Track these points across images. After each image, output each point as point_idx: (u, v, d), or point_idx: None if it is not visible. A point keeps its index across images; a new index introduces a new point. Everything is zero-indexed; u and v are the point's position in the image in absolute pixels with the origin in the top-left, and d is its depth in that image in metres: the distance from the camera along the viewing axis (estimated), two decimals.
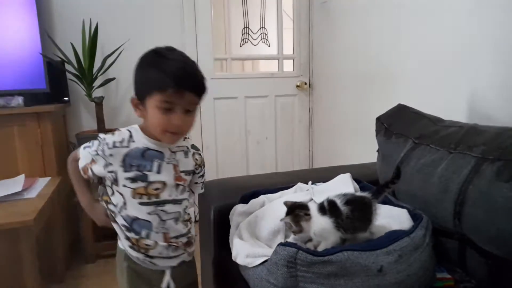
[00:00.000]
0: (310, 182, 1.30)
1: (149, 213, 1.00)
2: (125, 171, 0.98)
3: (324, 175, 1.35)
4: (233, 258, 1.08)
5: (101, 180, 1.05)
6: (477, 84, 1.42)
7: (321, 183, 1.30)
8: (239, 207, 1.20)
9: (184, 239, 1.07)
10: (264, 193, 1.26)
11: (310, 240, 1.01)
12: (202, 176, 1.14)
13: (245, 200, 1.23)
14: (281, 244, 0.92)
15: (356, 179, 1.27)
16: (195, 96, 0.95)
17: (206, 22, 2.64)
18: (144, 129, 1.01)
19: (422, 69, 1.70)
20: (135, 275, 1.06)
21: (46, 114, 1.99)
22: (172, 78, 0.91)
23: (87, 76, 2.23)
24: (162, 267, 1.06)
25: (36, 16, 2.12)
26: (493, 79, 1.35)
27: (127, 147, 0.98)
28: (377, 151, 1.38)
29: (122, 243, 1.05)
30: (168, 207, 1.02)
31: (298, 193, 1.24)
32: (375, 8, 2.02)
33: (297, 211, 0.98)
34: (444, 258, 1.11)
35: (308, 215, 0.98)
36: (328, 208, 0.97)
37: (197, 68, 0.98)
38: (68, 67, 2.23)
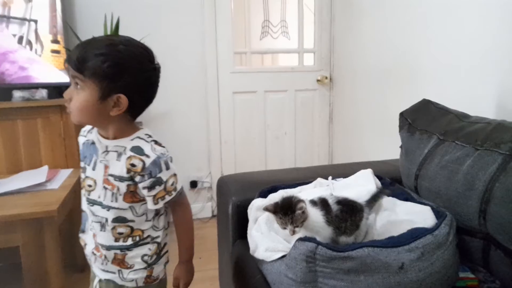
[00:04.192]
0: (330, 178, 1.29)
1: (86, 207, 1.03)
2: (81, 160, 1.04)
3: (344, 171, 1.33)
4: (251, 252, 1.08)
5: None
6: (505, 79, 1.37)
7: (341, 178, 1.28)
8: (258, 202, 1.20)
9: (109, 254, 0.99)
10: (283, 188, 1.25)
11: None
12: (149, 188, 0.95)
13: (263, 195, 1.23)
14: (300, 239, 0.91)
15: (377, 176, 1.25)
16: (72, 69, 0.90)
17: (226, 15, 2.64)
18: None
19: (448, 64, 1.66)
20: (92, 274, 1.10)
21: None
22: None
23: None
24: (93, 271, 1.07)
25: (60, 10, 2.15)
26: None
27: (85, 136, 1.04)
28: (400, 147, 1.36)
29: None
30: (96, 209, 0.99)
31: (317, 188, 1.23)
32: (399, 1, 1.98)
33: (297, 208, 0.92)
34: (468, 257, 1.09)
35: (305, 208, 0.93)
36: (320, 202, 0.96)
37: (92, 44, 0.91)
38: None
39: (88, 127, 1.06)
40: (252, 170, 1.63)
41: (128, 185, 0.95)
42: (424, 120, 1.28)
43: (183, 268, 1.08)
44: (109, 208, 0.97)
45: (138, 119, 1.05)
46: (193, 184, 2.80)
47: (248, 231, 1.17)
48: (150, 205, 0.98)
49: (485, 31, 1.45)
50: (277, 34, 3.03)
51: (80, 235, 1.08)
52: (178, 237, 1.07)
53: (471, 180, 1.01)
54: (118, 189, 0.95)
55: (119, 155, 0.95)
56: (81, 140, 1.05)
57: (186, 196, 1.06)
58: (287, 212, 0.92)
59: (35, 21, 2.12)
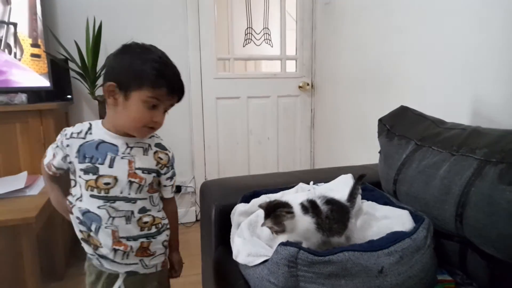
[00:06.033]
0: (311, 183, 1.30)
1: (99, 207, 1.01)
2: (79, 162, 1.01)
3: (325, 176, 1.35)
4: (233, 257, 1.08)
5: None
6: (480, 87, 1.42)
7: (323, 183, 1.29)
8: (240, 207, 1.20)
9: (135, 244, 1.04)
10: (266, 193, 1.26)
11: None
12: (171, 178, 1.12)
13: (246, 200, 1.23)
14: (282, 243, 0.92)
15: None
16: (178, 100, 1.04)
17: (209, 21, 2.65)
18: (105, 123, 1.04)
19: (425, 71, 1.70)
20: (94, 276, 1.10)
21: (48, 111, 1.99)
22: (167, 80, 0.98)
23: (90, 74, 2.23)
24: (111, 270, 1.06)
25: (41, 14, 2.12)
26: (497, 82, 1.35)
27: (83, 138, 1.03)
28: (379, 152, 1.38)
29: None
30: (119, 204, 1.01)
31: (299, 193, 1.24)
32: (379, 10, 2.02)
33: (278, 211, 0.95)
34: (445, 260, 1.11)
35: (291, 213, 0.95)
36: (310, 206, 0.97)
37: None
38: (71, 65, 2.23)
39: (82, 128, 1.04)
40: (235, 175, 1.63)
41: (153, 177, 1.06)
42: (402, 126, 1.31)
43: (178, 255, 1.23)
44: (135, 200, 1.03)
45: None
46: (177, 189, 2.77)
47: (231, 236, 1.17)
48: (168, 194, 1.14)
49: (462, 40, 1.49)
50: (260, 41, 3.06)
51: (92, 235, 1.04)
52: (172, 228, 1.17)
53: (447, 184, 1.03)
54: (145, 181, 1.03)
55: (145, 150, 1.05)
56: (76, 142, 1.02)
57: None
58: (269, 214, 0.96)
59: (14, 24, 2.08)
